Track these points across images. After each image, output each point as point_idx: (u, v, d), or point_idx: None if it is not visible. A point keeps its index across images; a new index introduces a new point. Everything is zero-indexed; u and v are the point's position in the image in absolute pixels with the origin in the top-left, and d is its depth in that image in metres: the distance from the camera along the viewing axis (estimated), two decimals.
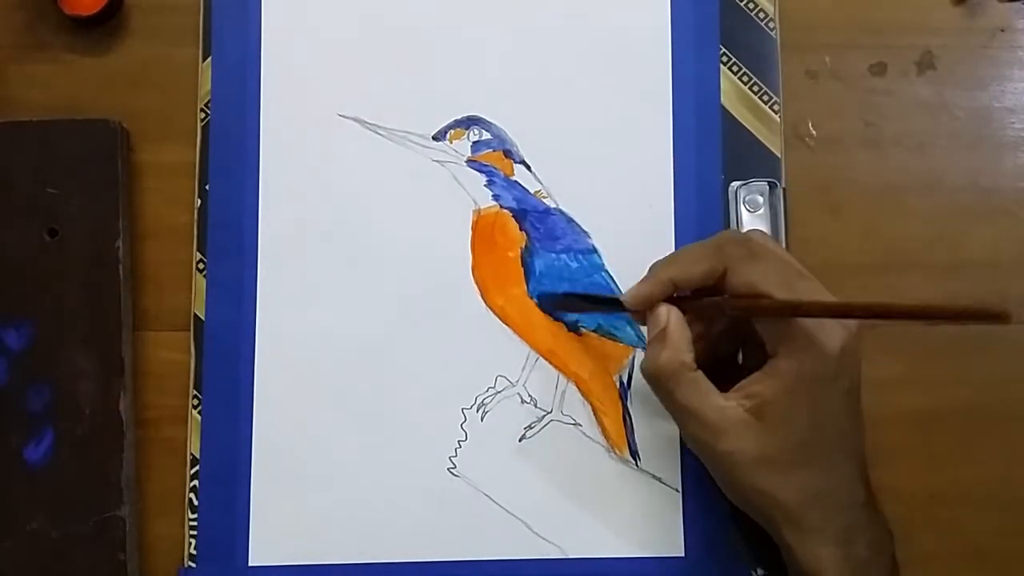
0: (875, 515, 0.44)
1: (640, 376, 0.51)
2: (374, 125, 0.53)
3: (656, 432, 0.51)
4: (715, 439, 0.43)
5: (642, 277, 0.46)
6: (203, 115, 0.52)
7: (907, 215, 0.52)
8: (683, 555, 0.50)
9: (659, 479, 0.50)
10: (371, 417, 0.51)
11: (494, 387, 0.51)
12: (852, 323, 0.43)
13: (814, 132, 0.53)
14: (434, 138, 0.52)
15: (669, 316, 0.44)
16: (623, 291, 0.51)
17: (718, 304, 0.45)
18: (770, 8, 0.53)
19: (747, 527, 0.50)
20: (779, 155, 0.52)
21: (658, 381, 0.44)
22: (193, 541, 0.50)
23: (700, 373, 0.44)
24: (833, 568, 0.42)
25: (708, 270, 0.44)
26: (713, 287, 0.44)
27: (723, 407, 0.43)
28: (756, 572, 0.50)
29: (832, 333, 0.42)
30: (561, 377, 0.51)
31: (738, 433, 0.43)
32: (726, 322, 0.47)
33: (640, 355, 0.51)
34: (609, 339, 0.51)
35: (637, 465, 0.50)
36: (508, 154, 0.52)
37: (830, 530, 0.43)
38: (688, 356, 0.44)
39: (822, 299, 0.43)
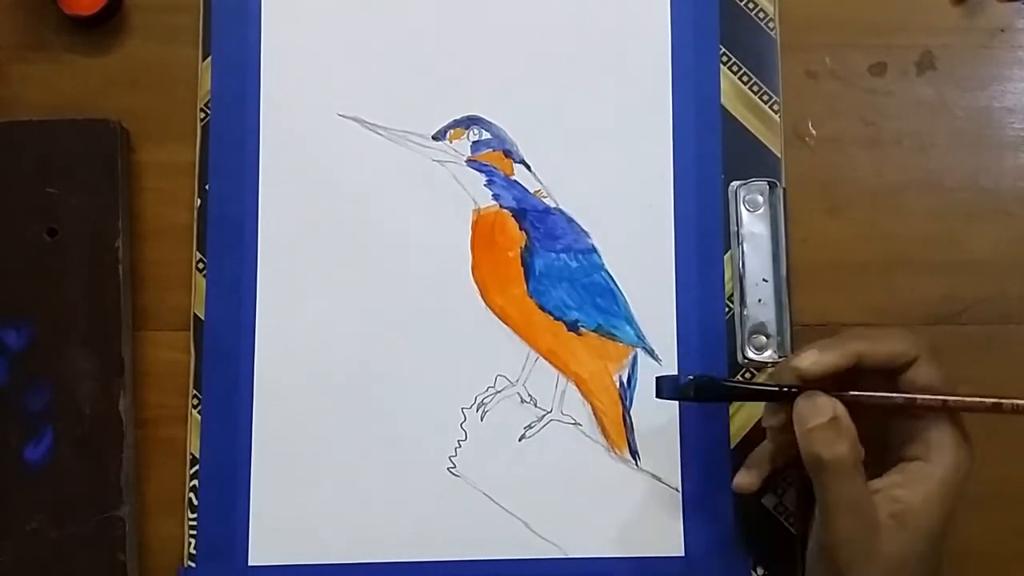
0: None
1: (641, 376, 0.51)
2: (374, 125, 0.53)
3: (656, 432, 0.51)
4: (870, 537, 0.42)
5: (820, 345, 0.43)
6: (203, 115, 0.52)
7: (907, 215, 0.52)
8: (683, 555, 0.50)
9: (659, 479, 0.50)
10: (371, 417, 0.51)
11: (494, 387, 0.51)
12: (970, 443, 0.43)
13: (814, 132, 0.53)
14: (434, 138, 0.52)
15: (836, 406, 0.42)
16: (623, 290, 0.51)
17: (904, 396, 0.43)
18: (770, 8, 0.53)
19: (747, 527, 0.50)
20: (779, 155, 0.52)
21: (833, 471, 0.42)
22: (193, 541, 0.50)
23: (861, 467, 0.42)
24: None
25: (902, 352, 0.43)
26: (857, 372, 0.43)
27: (870, 505, 0.42)
28: (756, 572, 0.50)
29: (971, 440, 0.43)
30: (561, 377, 0.51)
31: (884, 535, 0.42)
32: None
33: (641, 355, 0.51)
34: (609, 339, 0.51)
35: (637, 465, 0.50)
36: (508, 154, 0.52)
37: None
38: (860, 451, 0.42)
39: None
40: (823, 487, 0.42)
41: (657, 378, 0.46)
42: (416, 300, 0.51)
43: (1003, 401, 0.42)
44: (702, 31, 0.53)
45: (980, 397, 0.42)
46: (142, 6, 0.54)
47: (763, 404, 0.46)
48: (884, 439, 0.44)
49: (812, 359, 0.43)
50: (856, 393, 0.43)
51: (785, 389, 0.44)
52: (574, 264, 0.51)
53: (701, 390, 0.45)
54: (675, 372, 0.51)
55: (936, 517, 0.42)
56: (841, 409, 0.42)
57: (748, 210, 0.52)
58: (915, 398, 0.43)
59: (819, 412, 0.42)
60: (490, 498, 0.50)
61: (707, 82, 0.52)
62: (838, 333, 0.44)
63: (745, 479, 0.47)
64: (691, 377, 0.45)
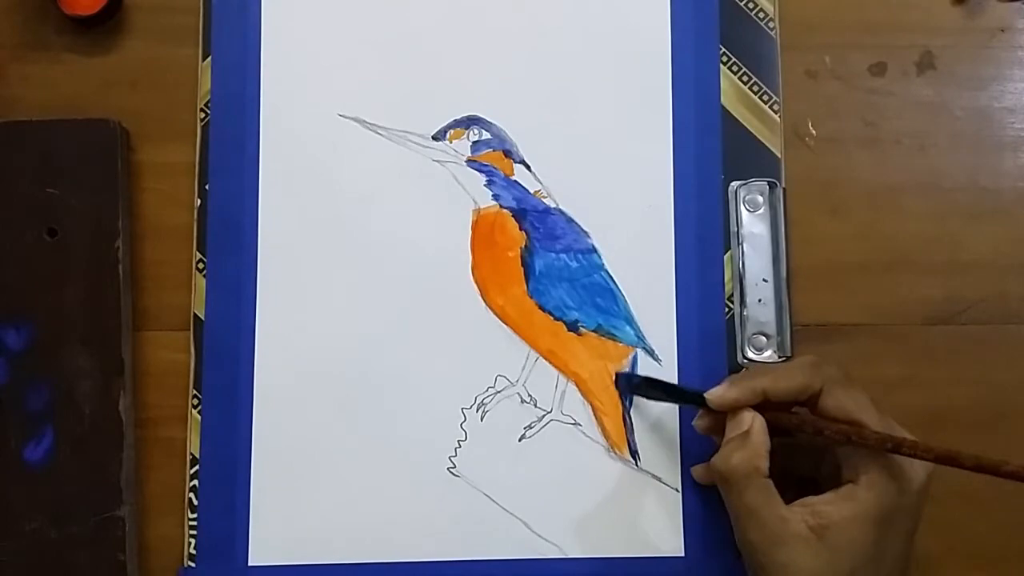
0: None
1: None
2: (374, 125, 0.53)
3: (656, 432, 0.51)
4: (772, 547, 0.43)
5: (729, 379, 0.46)
6: (203, 115, 0.52)
7: (907, 215, 0.52)
8: (683, 555, 0.50)
9: (659, 479, 0.50)
10: (371, 417, 0.51)
11: (494, 387, 0.51)
12: (930, 467, 0.44)
13: (814, 132, 0.53)
14: (434, 138, 0.52)
15: (753, 421, 0.45)
16: (623, 290, 0.51)
17: (813, 423, 0.44)
18: (770, 8, 0.53)
19: None
20: (779, 155, 0.52)
21: (729, 480, 0.44)
22: (193, 541, 0.50)
23: (770, 481, 0.44)
24: None
25: (804, 386, 0.44)
26: (795, 404, 0.45)
27: (786, 518, 0.43)
28: None
29: (918, 472, 0.43)
30: (561, 377, 0.51)
31: (796, 546, 0.43)
32: (803, 438, 0.47)
33: (641, 355, 0.51)
34: (609, 339, 0.51)
35: (637, 465, 0.50)
36: (508, 154, 0.52)
37: None
38: (764, 462, 0.44)
39: (928, 443, 0.43)
40: (724, 494, 0.45)
41: (616, 374, 0.50)
42: (416, 300, 0.51)
43: (903, 444, 0.42)
44: (702, 31, 0.53)
45: (882, 435, 0.43)
46: (142, 6, 0.54)
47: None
48: (835, 460, 0.45)
49: (718, 393, 0.46)
50: (775, 414, 0.45)
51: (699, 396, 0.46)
52: (574, 264, 0.51)
53: (641, 388, 0.50)
54: (675, 371, 0.51)
55: (859, 539, 0.42)
56: (757, 425, 0.44)
57: (748, 210, 0.52)
58: (823, 428, 0.44)
59: (736, 426, 0.45)
60: (490, 498, 0.50)
61: (707, 82, 0.52)
62: (750, 368, 0.49)
63: (697, 471, 0.50)
64: (638, 376, 0.50)
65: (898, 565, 0.44)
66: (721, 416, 0.46)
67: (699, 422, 0.48)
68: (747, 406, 0.45)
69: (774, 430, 0.45)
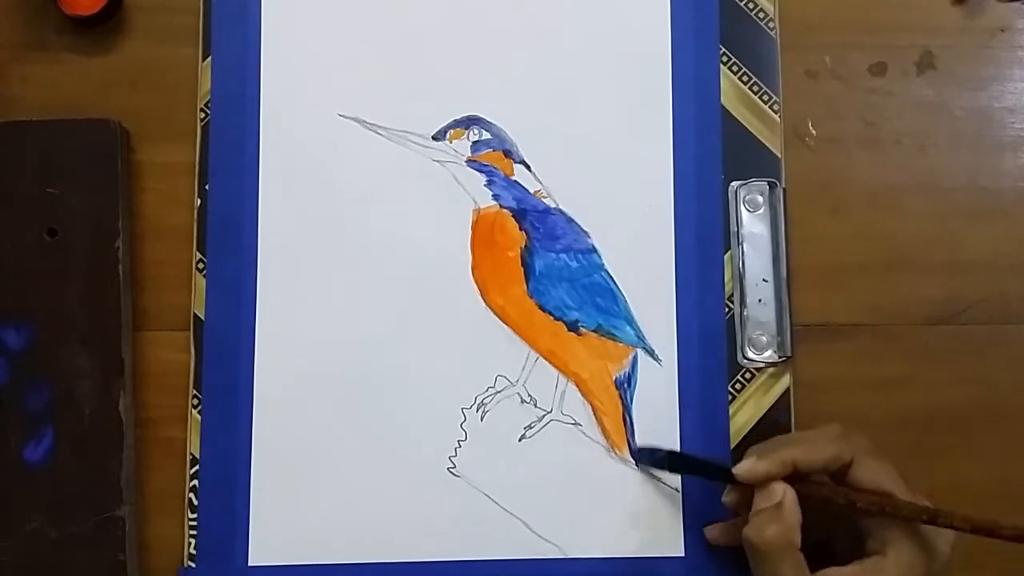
0: None
1: (641, 376, 0.51)
2: (374, 125, 0.53)
3: (656, 432, 0.50)
4: None
5: (758, 451, 0.45)
6: (203, 115, 0.52)
7: (907, 215, 0.52)
8: (683, 555, 0.50)
9: (659, 479, 0.50)
10: (371, 417, 0.51)
11: (494, 387, 0.51)
12: (952, 542, 0.43)
13: (814, 132, 0.53)
14: (434, 138, 0.52)
15: (786, 494, 0.44)
16: (623, 290, 0.51)
17: (845, 495, 0.44)
18: (770, 8, 0.53)
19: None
20: (779, 155, 0.52)
21: (763, 553, 0.43)
22: (193, 541, 0.50)
23: (802, 555, 0.43)
24: None
25: (835, 456, 0.44)
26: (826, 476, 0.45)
27: None
28: None
29: (946, 539, 0.43)
30: (561, 377, 0.51)
31: None
32: (834, 508, 0.46)
33: (641, 355, 0.51)
34: (609, 339, 0.51)
35: (637, 465, 0.50)
36: (508, 154, 0.52)
37: None
38: (797, 536, 0.43)
39: (964, 512, 0.42)
40: (755, 566, 0.44)
41: (639, 448, 0.50)
42: (416, 300, 0.51)
43: (939, 514, 0.42)
44: (702, 31, 0.53)
45: (917, 504, 0.43)
46: (142, 6, 0.54)
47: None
48: (859, 531, 0.45)
49: (746, 468, 0.44)
50: (806, 485, 0.44)
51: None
52: (574, 264, 0.51)
53: (664, 462, 0.49)
54: (675, 371, 0.51)
55: None
56: (790, 497, 0.44)
57: (748, 210, 0.52)
58: (855, 500, 0.43)
59: (768, 497, 0.44)
60: (490, 498, 0.50)
61: (707, 82, 0.52)
62: (776, 437, 0.46)
63: (712, 532, 0.49)
64: (663, 451, 0.49)
65: None
66: (749, 488, 0.45)
67: (728, 498, 0.47)
68: (777, 478, 0.44)
69: (804, 500, 0.44)
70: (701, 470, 0.48)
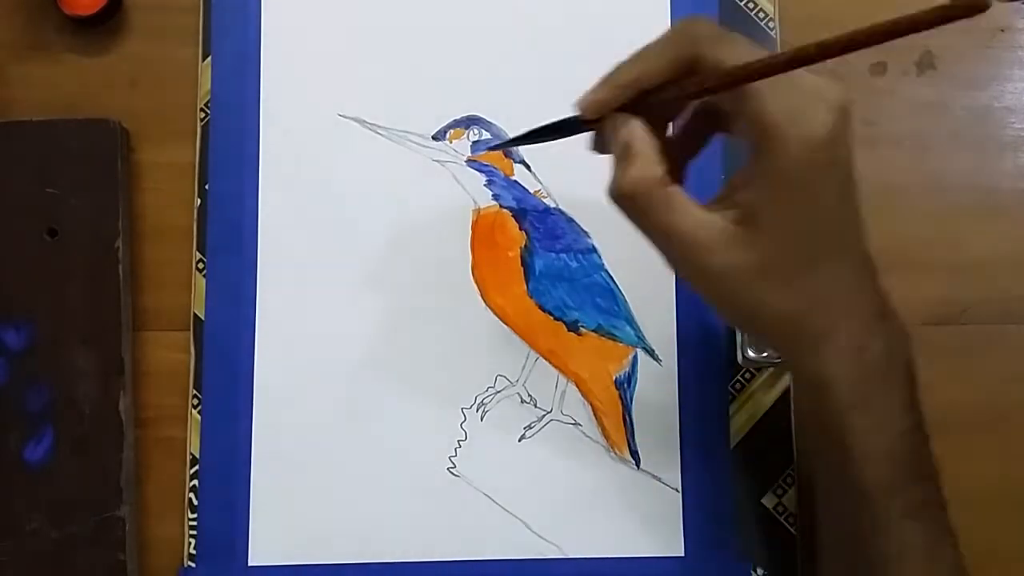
0: (887, 317, 0.40)
1: (641, 376, 0.51)
2: (374, 125, 0.53)
3: (656, 432, 0.51)
4: (705, 257, 0.37)
5: (595, 83, 0.39)
6: (203, 115, 0.52)
7: (907, 215, 0.52)
8: (683, 555, 0.50)
9: (659, 479, 0.50)
10: (371, 417, 0.51)
11: (494, 387, 0.51)
12: (837, 100, 0.36)
13: None
14: (434, 138, 0.52)
15: (630, 128, 0.38)
16: (623, 290, 0.51)
17: (696, 83, 0.37)
18: (770, 8, 0.53)
19: (747, 527, 0.50)
20: None
21: (630, 203, 0.38)
22: (193, 541, 0.50)
23: (676, 188, 0.38)
24: (844, 377, 0.38)
25: (675, 57, 0.37)
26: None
27: (707, 221, 0.37)
28: (756, 572, 0.50)
29: (816, 116, 0.36)
30: (561, 377, 0.51)
31: (729, 247, 0.37)
32: (693, 129, 0.41)
33: (641, 355, 0.51)
34: (609, 339, 0.51)
35: (637, 465, 0.50)
36: (508, 154, 0.52)
37: (839, 337, 0.38)
38: (659, 169, 0.38)
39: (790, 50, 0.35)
40: (631, 220, 0.39)
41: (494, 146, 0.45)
42: (416, 300, 0.51)
43: (796, 57, 0.35)
44: None
45: (772, 60, 0.35)
46: (142, 6, 0.54)
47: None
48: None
49: (587, 101, 0.39)
50: (656, 98, 0.38)
51: (572, 120, 0.40)
52: (574, 264, 0.51)
53: (515, 141, 0.44)
54: (675, 371, 0.51)
55: (789, 210, 0.37)
56: (636, 130, 0.38)
57: None
58: (704, 83, 0.36)
59: (614, 142, 0.39)
60: (490, 498, 0.50)
61: None
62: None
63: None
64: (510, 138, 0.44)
65: (846, 226, 0.38)
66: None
67: (594, 148, 0.42)
68: (622, 104, 0.38)
69: (664, 118, 0.39)
70: (551, 132, 0.42)
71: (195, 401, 0.51)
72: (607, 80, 0.39)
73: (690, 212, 0.38)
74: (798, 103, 0.36)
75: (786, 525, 0.50)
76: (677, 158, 0.41)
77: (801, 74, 0.36)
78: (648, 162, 0.38)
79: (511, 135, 0.52)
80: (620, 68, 0.39)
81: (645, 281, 0.51)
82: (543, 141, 0.43)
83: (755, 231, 0.37)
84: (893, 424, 0.39)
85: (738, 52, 0.37)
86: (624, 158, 0.38)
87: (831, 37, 0.34)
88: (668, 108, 0.40)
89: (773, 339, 0.41)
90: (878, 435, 0.39)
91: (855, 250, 0.39)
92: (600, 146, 0.42)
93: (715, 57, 0.37)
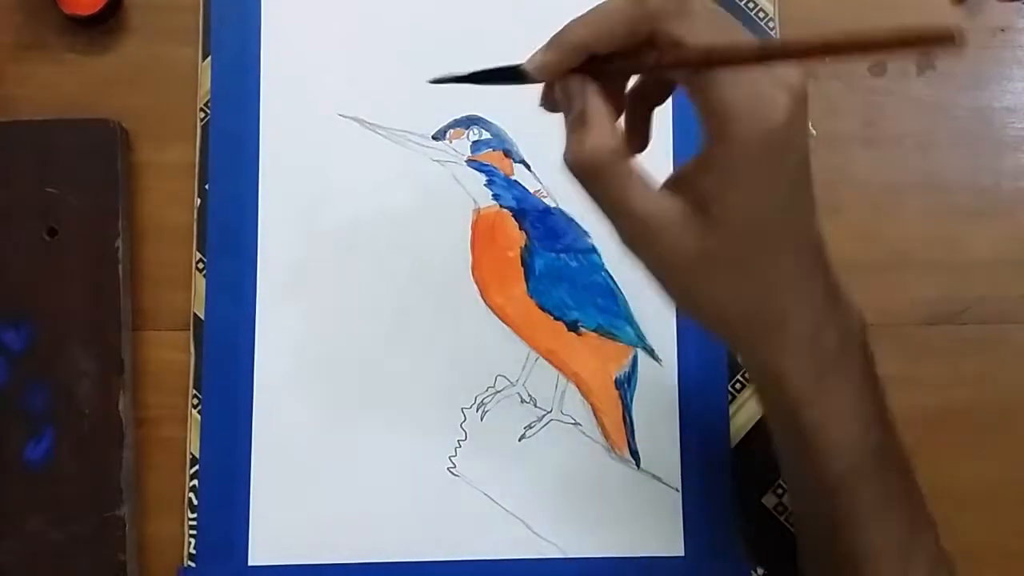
0: (840, 304, 0.39)
1: (641, 376, 0.51)
2: (374, 125, 0.53)
3: (656, 432, 0.50)
4: (656, 240, 0.36)
5: (545, 44, 0.37)
6: (203, 115, 0.52)
7: (907, 215, 0.52)
8: (683, 555, 0.50)
9: (659, 479, 0.50)
10: (371, 417, 0.51)
11: (494, 387, 0.51)
12: (795, 86, 0.35)
13: (814, 132, 0.53)
14: (434, 138, 0.52)
15: (585, 93, 0.36)
16: (623, 290, 0.51)
17: (655, 57, 0.36)
18: (770, 8, 0.53)
19: (747, 527, 0.50)
20: None
21: (585, 173, 0.36)
22: (193, 541, 0.50)
23: (634, 161, 0.36)
24: (798, 368, 0.38)
25: (630, 28, 0.35)
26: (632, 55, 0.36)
27: (662, 204, 0.36)
28: (756, 572, 0.50)
29: (773, 102, 0.34)
30: (561, 377, 0.51)
31: (681, 232, 0.36)
32: (650, 90, 0.40)
33: (641, 355, 0.51)
34: (609, 339, 0.51)
35: (637, 465, 0.50)
36: (508, 154, 0.52)
37: (790, 329, 0.37)
38: (615, 139, 0.36)
39: (752, 42, 0.35)
40: (586, 191, 0.37)
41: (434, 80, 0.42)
42: (416, 300, 0.51)
43: (767, 50, 0.34)
44: None
45: (741, 48, 0.34)
46: (142, 6, 0.54)
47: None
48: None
49: (534, 62, 0.37)
50: (616, 67, 0.37)
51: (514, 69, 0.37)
52: (574, 264, 0.51)
53: (460, 79, 0.41)
54: (675, 371, 0.51)
55: (743, 196, 0.35)
56: (591, 96, 0.36)
57: None
58: (661, 59, 0.35)
59: (567, 105, 0.37)
60: (490, 498, 0.50)
61: None
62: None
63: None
64: (454, 76, 0.41)
65: (798, 212, 0.37)
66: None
67: (543, 105, 0.40)
68: (572, 69, 0.37)
69: (623, 80, 0.38)
70: (495, 77, 0.39)
71: (195, 401, 0.51)
72: (555, 40, 0.37)
73: (645, 192, 0.36)
74: (757, 88, 0.34)
75: (786, 525, 0.50)
76: (637, 117, 0.40)
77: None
78: (603, 132, 0.36)
79: (511, 135, 0.52)
80: (570, 28, 0.37)
81: (645, 281, 0.51)
82: (495, 84, 0.40)
83: (710, 219, 0.36)
84: (853, 414, 0.39)
85: (697, 30, 0.35)
86: (578, 125, 0.36)
87: (796, 38, 0.33)
88: (625, 71, 0.38)
89: (724, 330, 0.39)
90: (837, 426, 0.38)
91: (807, 237, 0.38)
92: (549, 104, 0.40)
93: (673, 33, 0.35)
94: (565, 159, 0.37)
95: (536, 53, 0.37)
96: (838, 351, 0.38)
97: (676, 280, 0.38)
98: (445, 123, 0.52)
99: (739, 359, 0.42)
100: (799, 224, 0.37)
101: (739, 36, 0.36)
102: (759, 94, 0.34)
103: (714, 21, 0.36)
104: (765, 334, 0.38)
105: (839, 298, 0.39)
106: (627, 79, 0.39)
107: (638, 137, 0.41)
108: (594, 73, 0.37)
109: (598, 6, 0.37)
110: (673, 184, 0.37)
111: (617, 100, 0.38)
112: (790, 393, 0.38)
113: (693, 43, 0.35)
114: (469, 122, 0.52)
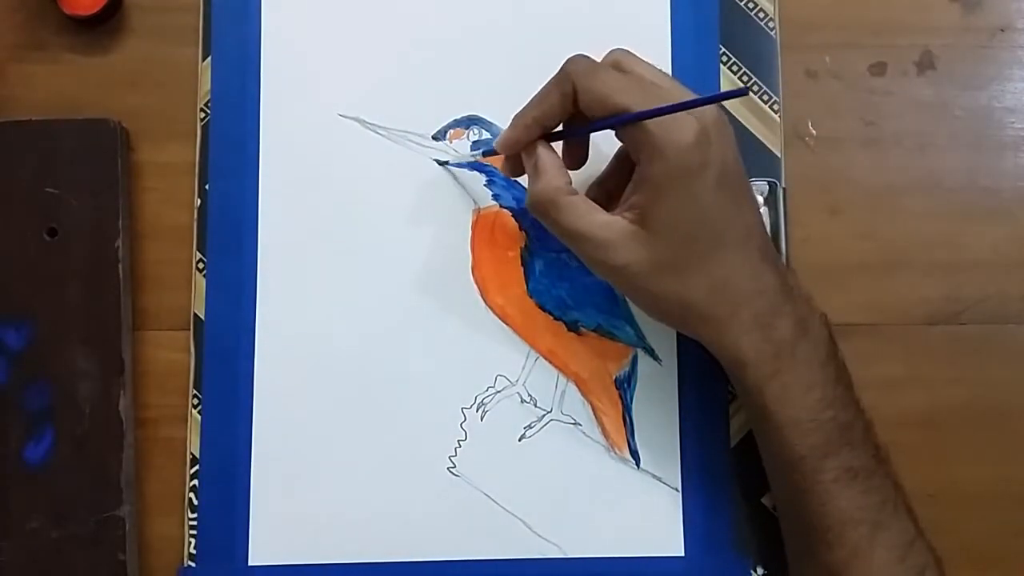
0: (793, 295, 0.44)
1: (641, 376, 0.51)
2: (374, 125, 0.53)
3: (656, 432, 0.51)
4: (607, 254, 0.44)
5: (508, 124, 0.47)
6: (203, 115, 0.52)
7: (907, 215, 0.52)
8: (683, 555, 0.50)
9: (659, 479, 0.50)
10: (371, 417, 0.51)
11: (494, 387, 0.51)
12: (707, 113, 0.43)
13: (814, 132, 0.53)
14: (434, 138, 0.52)
15: (537, 149, 0.46)
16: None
17: (578, 124, 0.45)
18: (770, 8, 0.53)
19: (747, 527, 0.50)
20: (779, 155, 0.52)
21: (541, 210, 0.45)
22: (193, 541, 0.50)
23: (580, 196, 0.45)
24: (753, 353, 0.43)
25: (560, 96, 0.44)
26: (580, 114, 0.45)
27: (608, 222, 0.44)
28: (756, 572, 0.50)
29: (683, 127, 0.42)
30: (561, 377, 0.51)
31: (627, 244, 0.43)
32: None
33: (641, 355, 0.51)
34: (609, 339, 0.51)
35: (637, 465, 0.50)
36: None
37: (743, 317, 0.43)
38: (562, 180, 0.45)
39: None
40: (547, 226, 0.46)
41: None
42: (416, 300, 0.51)
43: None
44: (702, 31, 0.53)
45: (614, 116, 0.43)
46: (142, 6, 0.54)
47: None
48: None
49: (499, 140, 0.47)
50: (558, 131, 0.46)
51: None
52: (574, 264, 0.51)
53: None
54: (675, 371, 0.51)
55: (673, 209, 0.42)
56: (541, 150, 0.45)
57: None
58: (576, 131, 0.46)
59: (527, 165, 0.46)
60: (490, 498, 0.50)
61: (707, 82, 0.52)
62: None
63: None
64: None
65: (731, 216, 0.44)
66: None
67: (504, 165, 0.49)
68: (533, 140, 0.46)
69: (578, 145, 0.48)
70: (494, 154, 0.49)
71: (195, 401, 0.51)
72: (515, 120, 0.46)
73: (592, 215, 0.44)
74: (669, 118, 0.42)
75: None
76: (573, 143, 0.48)
77: (669, 89, 0.44)
78: (553, 175, 0.45)
79: None
80: (524, 110, 0.46)
81: None
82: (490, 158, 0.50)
83: (648, 230, 0.43)
84: (812, 394, 0.43)
85: (602, 81, 0.44)
86: (534, 175, 0.45)
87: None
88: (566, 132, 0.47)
89: (685, 325, 0.46)
90: (796, 404, 0.43)
91: (746, 238, 0.44)
92: (509, 170, 0.49)
93: (588, 88, 0.44)
94: (526, 203, 0.46)
95: (503, 132, 0.47)
96: (793, 336, 0.44)
97: (632, 284, 0.45)
98: (445, 123, 0.52)
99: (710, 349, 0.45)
100: (736, 226, 0.44)
101: (646, 76, 0.45)
102: (670, 124, 0.42)
103: (628, 78, 0.44)
104: (720, 322, 0.44)
105: (792, 291, 0.45)
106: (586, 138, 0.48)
107: (574, 159, 0.49)
108: (550, 138, 0.46)
109: (541, 87, 0.46)
110: (621, 204, 0.44)
111: (580, 150, 0.48)
112: (750, 374, 0.44)
113: (615, 98, 0.43)
114: (469, 122, 0.52)
